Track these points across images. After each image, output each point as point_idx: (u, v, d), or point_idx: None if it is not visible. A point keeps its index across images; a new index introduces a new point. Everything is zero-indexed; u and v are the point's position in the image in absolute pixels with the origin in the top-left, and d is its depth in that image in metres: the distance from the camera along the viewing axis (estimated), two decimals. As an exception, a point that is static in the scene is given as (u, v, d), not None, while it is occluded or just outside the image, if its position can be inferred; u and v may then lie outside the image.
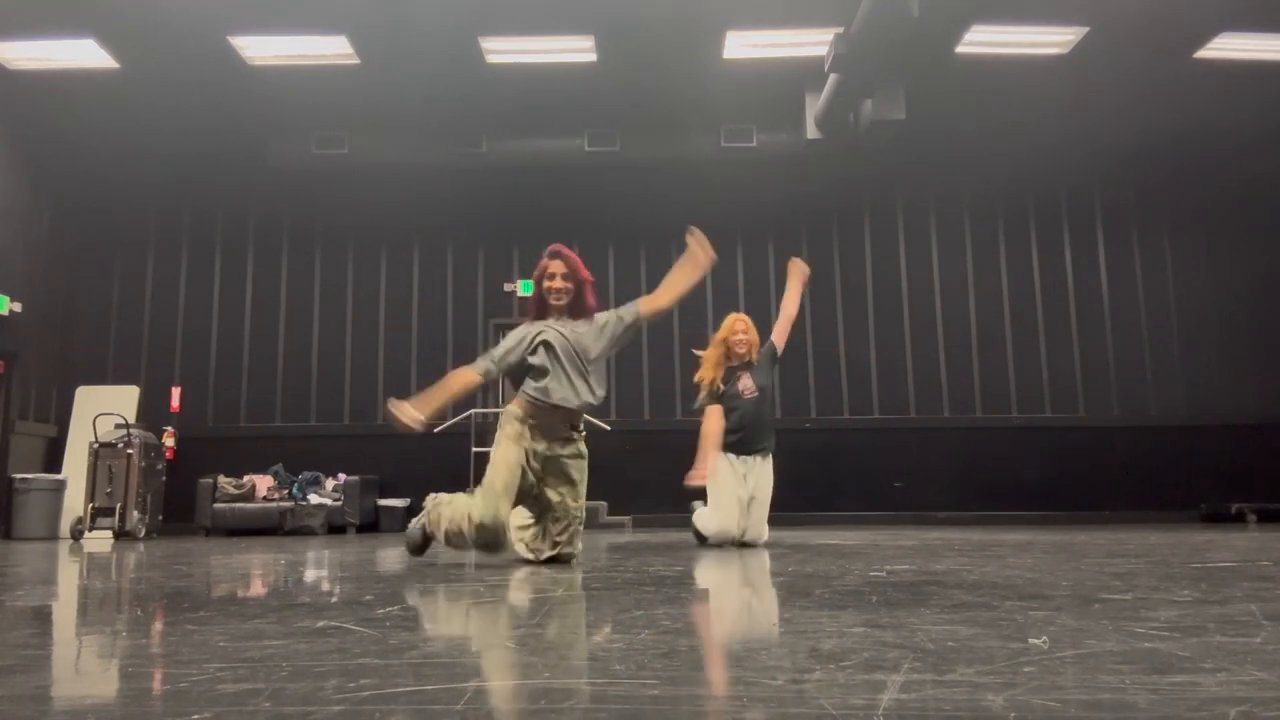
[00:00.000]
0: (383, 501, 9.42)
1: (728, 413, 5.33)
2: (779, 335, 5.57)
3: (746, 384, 5.40)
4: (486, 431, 9.86)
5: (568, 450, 3.98)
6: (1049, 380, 10.04)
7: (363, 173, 9.89)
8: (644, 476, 9.50)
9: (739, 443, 5.35)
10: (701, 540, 5.34)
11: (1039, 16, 7.81)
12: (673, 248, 10.18)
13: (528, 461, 3.85)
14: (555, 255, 4.02)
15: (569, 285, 3.99)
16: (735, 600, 2.44)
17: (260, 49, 8.15)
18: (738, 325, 5.53)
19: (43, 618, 2.39)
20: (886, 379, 10.01)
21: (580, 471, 4.01)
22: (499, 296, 10.20)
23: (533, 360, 3.89)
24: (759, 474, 5.37)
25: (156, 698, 1.31)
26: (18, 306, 9.13)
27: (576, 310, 4.03)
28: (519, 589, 2.83)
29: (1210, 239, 10.31)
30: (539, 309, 4.07)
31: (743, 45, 8.20)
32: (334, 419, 10.00)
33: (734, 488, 5.29)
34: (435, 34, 7.89)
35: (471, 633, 1.87)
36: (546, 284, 4.01)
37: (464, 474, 9.29)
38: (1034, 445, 9.78)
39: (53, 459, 9.53)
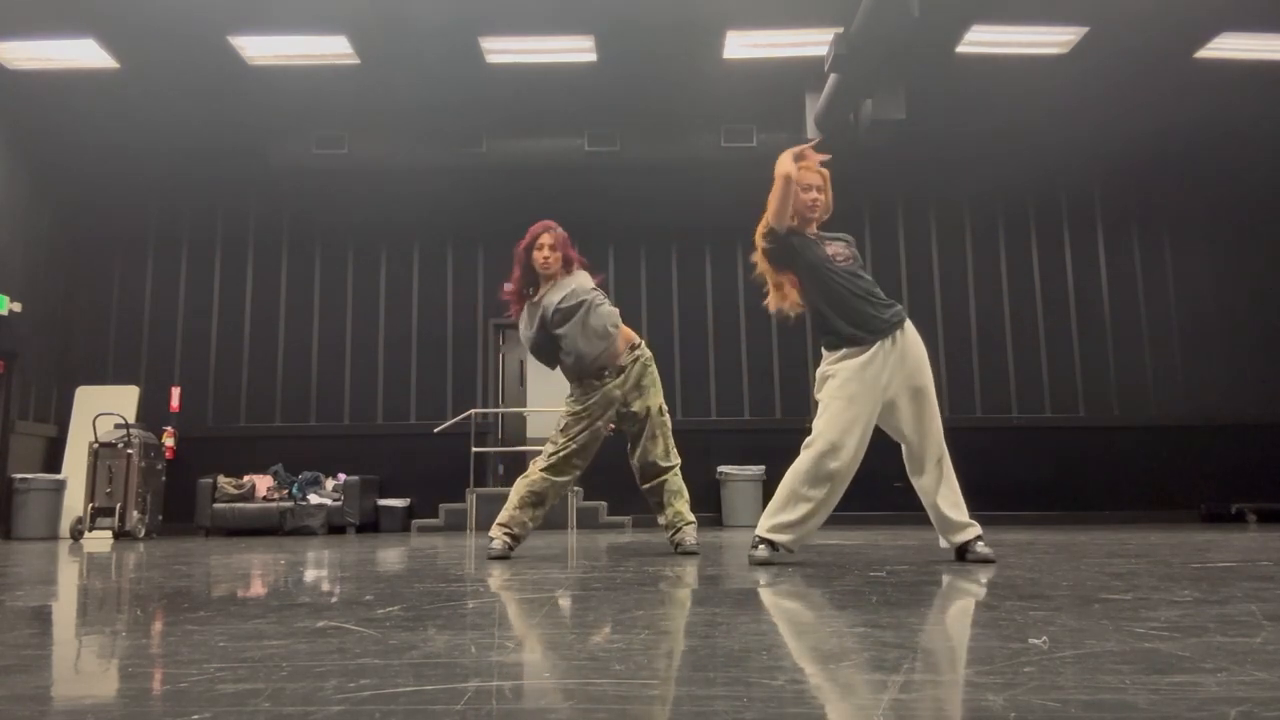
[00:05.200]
0: (383, 501, 9.42)
1: (824, 292, 3.67)
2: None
3: (838, 249, 3.74)
4: (486, 431, 9.87)
5: None
6: (1049, 380, 10.04)
7: (363, 173, 9.89)
8: (644, 476, 9.49)
9: (853, 332, 3.59)
10: (772, 549, 3.59)
11: (1039, 16, 7.82)
12: (672, 247, 10.28)
13: None
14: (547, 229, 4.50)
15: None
16: (735, 600, 2.44)
17: (260, 49, 8.15)
18: (809, 177, 3.77)
19: (43, 618, 2.39)
20: (886, 379, 9.99)
21: None
22: (499, 296, 10.20)
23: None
24: (898, 358, 3.59)
25: (156, 698, 1.31)
26: (18, 306, 9.13)
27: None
28: (519, 589, 2.83)
29: (1210, 239, 10.32)
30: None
31: (743, 45, 8.21)
32: (334, 419, 10.00)
33: (867, 393, 3.54)
34: (435, 34, 7.89)
35: (471, 633, 1.87)
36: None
37: (463, 474, 9.30)
38: (1034, 445, 9.78)
39: (53, 459, 9.53)
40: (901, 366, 3.61)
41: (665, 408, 4.64)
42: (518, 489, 4.34)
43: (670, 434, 4.61)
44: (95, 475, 8.19)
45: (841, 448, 3.51)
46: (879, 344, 3.58)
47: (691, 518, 4.53)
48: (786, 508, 3.56)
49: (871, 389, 3.56)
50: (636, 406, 4.50)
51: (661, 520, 4.55)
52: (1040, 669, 1.35)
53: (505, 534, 4.26)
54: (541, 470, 4.32)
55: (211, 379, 10.07)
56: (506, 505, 4.33)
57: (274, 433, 9.88)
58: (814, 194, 3.77)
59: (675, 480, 4.55)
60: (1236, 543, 4.88)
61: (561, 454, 4.33)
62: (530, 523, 4.30)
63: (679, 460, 4.62)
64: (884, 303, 3.67)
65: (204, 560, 4.62)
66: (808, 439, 3.62)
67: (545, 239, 4.42)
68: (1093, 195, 10.42)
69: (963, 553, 3.58)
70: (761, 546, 3.59)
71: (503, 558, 4.16)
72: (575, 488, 8.97)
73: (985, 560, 3.49)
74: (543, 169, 9.76)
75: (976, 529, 3.59)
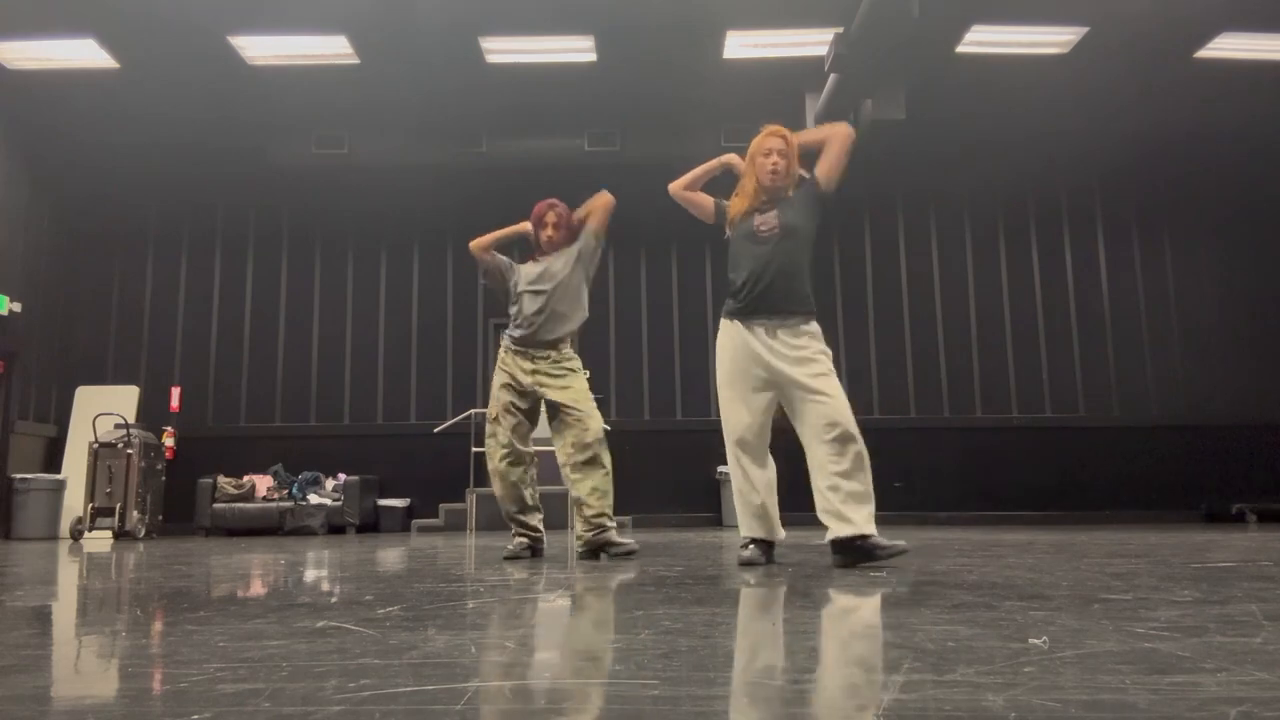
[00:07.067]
0: (383, 501, 9.42)
1: (734, 264, 3.71)
2: (826, 168, 3.67)
3: (767, 218, 3.65)
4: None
5: None
6: (1049, 380, 10.04)
7: (363, 173, 9.89)
8: (644, 476, 9.51)
9: (745, 306, 3.59)
10: (760, 547, 3.64)
11: (1039, 16, 7.82)
12: (673, 247, 10.27)
13: None
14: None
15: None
16: (735, 600, 2.44)
17: (260, 49, 8.16)
18: (769, 141, 3.68)
19: (43, 618, 2.39)
20: (886, 379, 10.01)
21: None
22: (499, 296, 10.20)
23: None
24: (790, 350, 3.52)
25: (156, 698, 1.31)
26: (18, 306, 9.13)
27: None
28: (518, 589, 2.83)
29: (1210, 239, 10.32)
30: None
31: (743, 45, 8.21)
32: (334, 419, 10.00)
33: (744, 367, 3.58)
34: (435, 34, 7.89)
35: (471, 633, 1.87)
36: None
37: (463, 474, 9.30)
38: (1034, 445, 9.78)
39: (53, 459, 9.53)
40: (776, 359, 3.52)
41: (578, 405, 4.29)
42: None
43: (587, 432, 4.25)
44: (95, 475, 8.19)
45: (733, 422, 3.62)
46: (749, 322, 3.59)
47: (611, 520, 4.20)
48: (737, 501, 3.68)
49: (749, 362, 3.57)
50: (551, 395, 4.33)
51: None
52: (1040, 669, 1.35)
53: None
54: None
55: (211, 379, 10.07)
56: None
57: (274, 433, 9.88)
58: (774, 158, 3.66)
59: (605, 480, 4.24)
60: (1236, 543, 4.88)
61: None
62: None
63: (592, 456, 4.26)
64: (772, 283, 3.53)
65: (204, 560, 4.62)
66: None
67: (550, 217, 4.53)
68: (1093, 195, 10.42)
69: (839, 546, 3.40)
70: (752, 546, 3.63)
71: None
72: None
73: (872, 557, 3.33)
74: (543, 169, 9.76)
75: (851, 529, 3.35)
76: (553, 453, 4.38)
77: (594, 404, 4.37)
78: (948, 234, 10.38)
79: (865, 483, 3.40)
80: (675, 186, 3.92)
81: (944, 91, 8.76)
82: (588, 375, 4.58)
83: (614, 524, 4.24)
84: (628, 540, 4.24)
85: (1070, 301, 10.22)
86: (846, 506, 3.34)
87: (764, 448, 3.66)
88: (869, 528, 3.34)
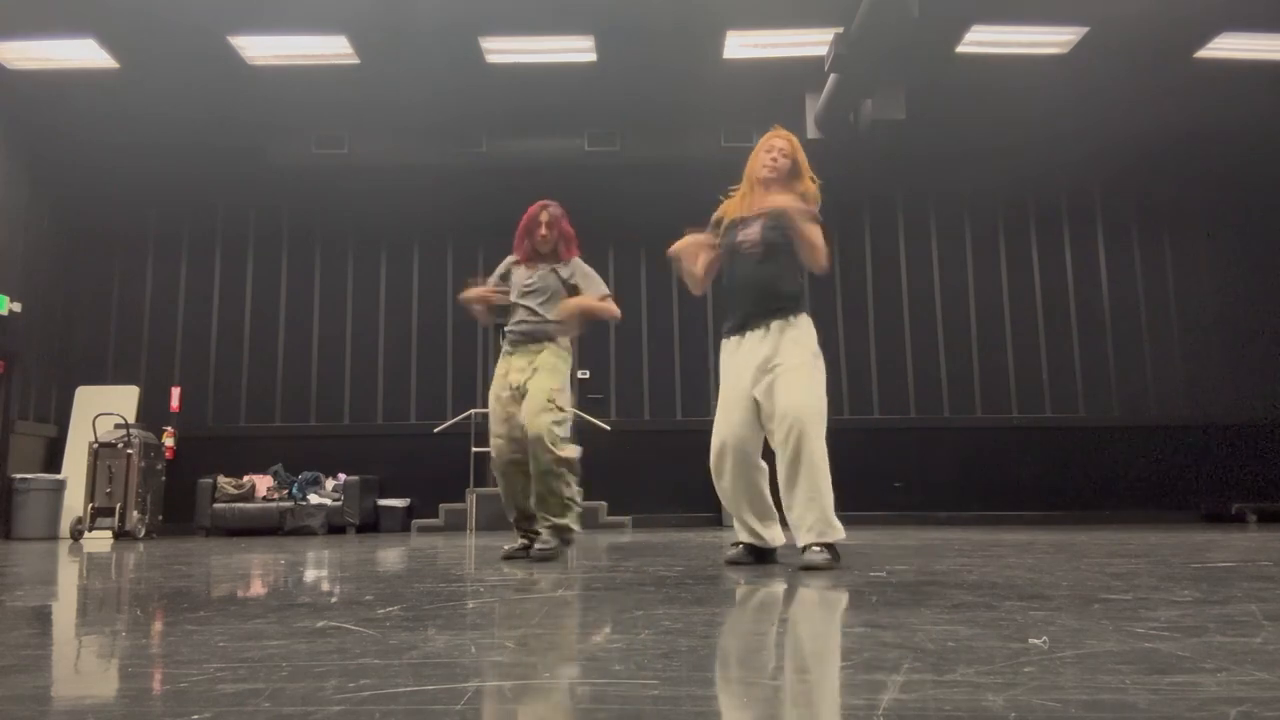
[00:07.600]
0: (383, 501, 9.42)
1: (725, 281, 3.76)
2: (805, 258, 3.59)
3: (751, 233, 3.64)
4: (486, 431, 9.88)
5: None
6: (1049, 380, 10.04)
7: (363, 172, 9.89)
8: (644, 476, 9.51)
9: (736, 323, 3.63)
10: (744, 550, 3.68)
11: (1039, 16, 7.82)
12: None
13: None
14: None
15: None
16: (735, 600, 2.44)
17: (260, 49, 8.16)
18: (774, 140, 3.78)
19: (43, 618, 2.38)
20: (886, 379, 10.01)
21: None
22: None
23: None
24: (769, 345, 3.49)
25: (156, 698, 1.31)
26: (18, 306, 9.13)
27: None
28: (518, 589, 2.83)
29: (1210, 239, 10.32)
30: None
31: (743, 45, 8.21)
32: (334, 419, 10.00)
33: (731, 380, 3.59)
34: (435, 34, 7.89)
35: (471, 633, 1.87)
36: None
37: (463, 474, 9.29)
38: (1034, 445, 9.79)
39: (53, 459, 9.53)
40: (759, 356, 3.52)
41: (552, 396, 4.16)
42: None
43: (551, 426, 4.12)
44: (95, 475, 8.19)
45: (715, 433, 3.61)
46: (741, 335, 3.61)
47: (551, 520, 4.13)
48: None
49: (736, 374, 3.59)
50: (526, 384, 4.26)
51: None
52: (1040, 669, 1.35)
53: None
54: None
55: (211, 379, 10.07)
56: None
57: (274, 433, 9.88)
58: (774, 154, 3.74)
59: (542, 479, 4.14)
60: (1236, 543, 4.88)
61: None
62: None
63: (556, 454, 4.10)
64: (758, 299, 3.56)
65: (204, 560, 4.62)
66: None
67: (543, 216, 4.43)
68: (1093, 195, 10.42)
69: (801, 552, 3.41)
70: (740, 546, 3.67)
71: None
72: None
73: (811, 567, 3.28)
74: (543, 169, 9.76)
75: (813, 535, 3.37)
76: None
77: (548, 406, 4.14)
78: (948, 234, 10.38)
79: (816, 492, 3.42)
80: (697, 290, 4.02)
81: (944, 91, 8.76)
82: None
83: (545, 524, 4.13)
84: (550, 544, 4.07)
85: (1070, 301, 10.22)
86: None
87: (752, 460, 3.59)
88: (831, 534, 3.38)
